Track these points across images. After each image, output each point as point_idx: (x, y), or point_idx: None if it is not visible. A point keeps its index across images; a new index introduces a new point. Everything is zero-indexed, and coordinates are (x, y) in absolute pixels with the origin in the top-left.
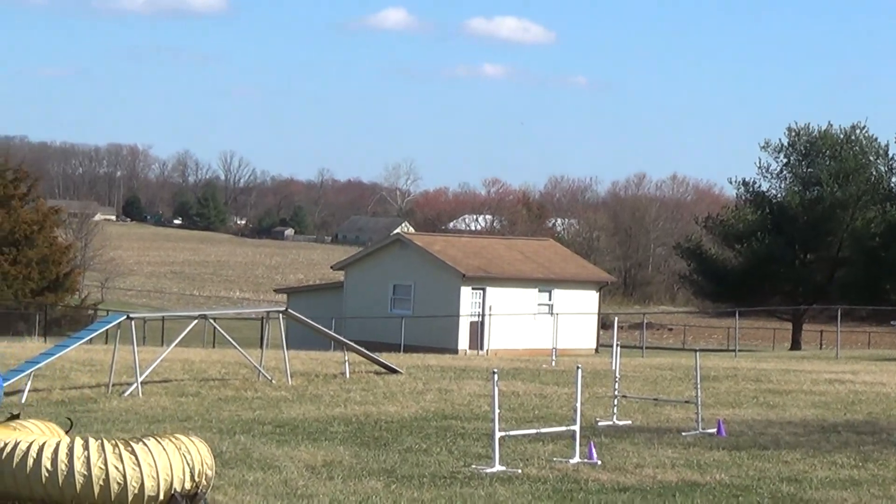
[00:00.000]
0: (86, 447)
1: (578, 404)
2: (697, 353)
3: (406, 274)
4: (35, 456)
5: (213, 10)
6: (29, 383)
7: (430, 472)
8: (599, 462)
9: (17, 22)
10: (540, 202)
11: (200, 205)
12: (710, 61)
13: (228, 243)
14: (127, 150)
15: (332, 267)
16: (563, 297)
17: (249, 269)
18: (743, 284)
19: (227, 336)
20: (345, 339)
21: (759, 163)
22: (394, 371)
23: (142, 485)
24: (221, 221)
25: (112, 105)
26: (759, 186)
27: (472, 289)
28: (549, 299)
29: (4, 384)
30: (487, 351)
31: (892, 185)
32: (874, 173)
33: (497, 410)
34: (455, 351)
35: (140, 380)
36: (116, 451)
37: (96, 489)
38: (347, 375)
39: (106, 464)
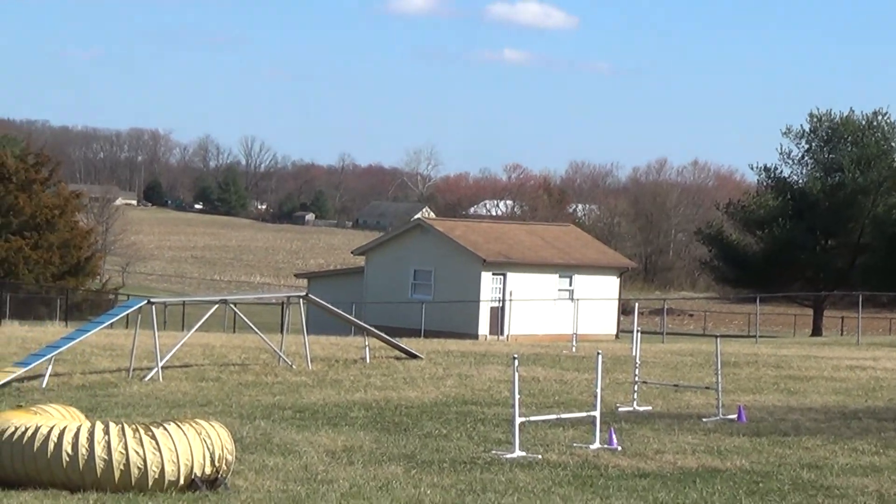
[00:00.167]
0: (106, 432)
1: (599, 390)
2: (718, 339)
3: (426, 259)
4: (56, 440)
5: None
6: (50, 368)
7: (450, 457)
8: (619, 448)
9: (39, 5)
10: (561, 188)
11: (221, 189)
12: (731, 47)
13: (249, 228)
14: (148, 134)
15: (352, 252)
16: (584, 283)
17: (270, 253)
18: (764, 270)
19: (248, 321)
20: (365, 324)
21: (781, 149)
22: (414, 356)
23: (162, 469)
24: (242, 206)
25: (134, 89)
26: (781, 172)
27: (493, 274)
28: (570, 285)
29: (25, 369)
30: (508, 336)
31: None
32: None
33: (517, 396)
34: (475, 336)
35: (160, 364)
36: (137, 435)
37: (117, 474)
38: (367, 360)
39: (126, 448)
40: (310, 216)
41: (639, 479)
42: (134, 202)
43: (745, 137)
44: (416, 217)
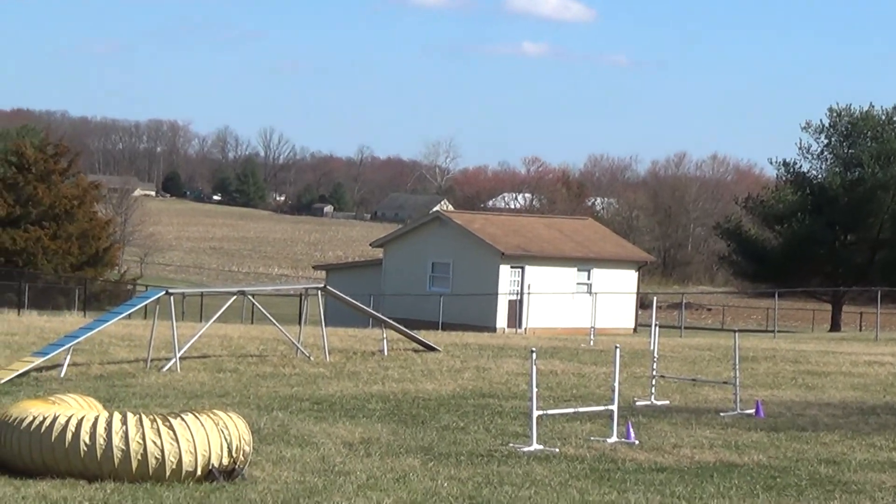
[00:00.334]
0: (124, 422)
1: (616, 384)
2: (736, 334)
3: (445, 252)
4: (74, 430)
5: None
6: (68, 357)
7: (467, 450)
8: (637, 442)
9: None
10: (580, 181)
11: (240, 181)
12: (751, 40)
13: (268, 220)
14: (167, 125)
15: (371, 244)
16: (602, 277)
17: (288, 245)
18: (782, 265)
19: (266, 312)
20: (383, 317)
21: (800, 143)
22: (432, 349)
23: (179, 460)
24: (261, 198)
25: (153, 80)
26: (800, 167)
27: (511, 267)
28: (588, 278)
29: (43, 358)
30: (526, 329)
31: None
32: None
33: (535, 389)
34: (493, 329)
35: (178, 355)
36: (154, 426)
37: (134, 464)
38: (385, 353)
39: (144, 439)
40: (328, 208)
41: (656, 474)
42: (152, 193)
43: (764, 132)
44: (434, 209)
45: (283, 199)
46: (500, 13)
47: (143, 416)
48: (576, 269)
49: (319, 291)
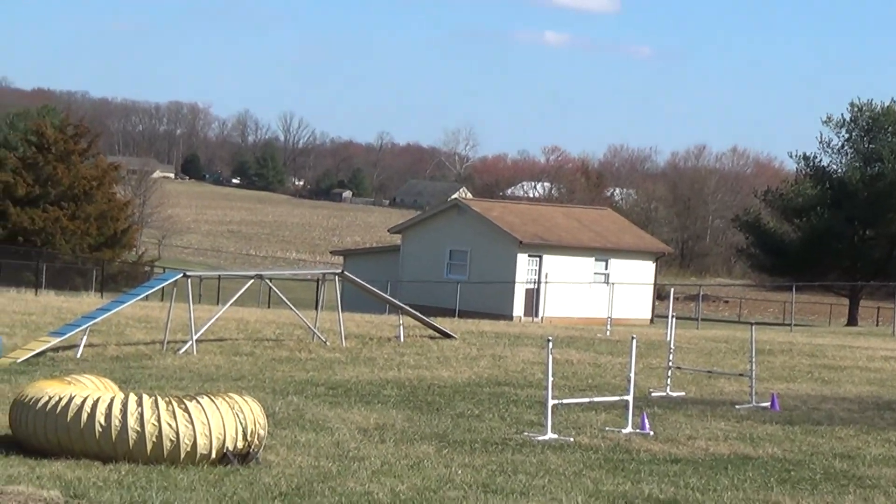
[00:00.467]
0: (139, 404)
1: (632, 374)
2: (753, 327)
3: (463, 239)
4: (89, 411)
5: None
6: (85, 338)
7: (481, 437)
8: (652, 433)
9: None
10: (599, 171)
11: (259, 165)
12: (772, 33)
13: (286, 204)
14: (187, 108)
15: (389, 230)
16: (620, 267)
17: (306, 230)
18: (800, 259)
19: (283, 296)
20: (400, 303)
21: (821, 137)
22: (448, 336)
23: (194, 443)
24: (279, 182)
25: (174, 63)
26: (820, 161)
27: (529, 256)
28: (606, 268)
29: (60, 339)
30: (542, 318)
31: None
32: None
33: (550, 378)
34: (510, 317)
35: (195, 338)
36: (170, 408)
37: (149, 446)
38: (402, 339)
39: (159, 421)
40: (347, 193)
41: (670, 465)
42: (171, 175)
43: (784, 125)
44: (453, 197)
45: (301, 183)
46: (522, 2)
47: (159, 398)
48: (593, 258)
49: (336, 276)
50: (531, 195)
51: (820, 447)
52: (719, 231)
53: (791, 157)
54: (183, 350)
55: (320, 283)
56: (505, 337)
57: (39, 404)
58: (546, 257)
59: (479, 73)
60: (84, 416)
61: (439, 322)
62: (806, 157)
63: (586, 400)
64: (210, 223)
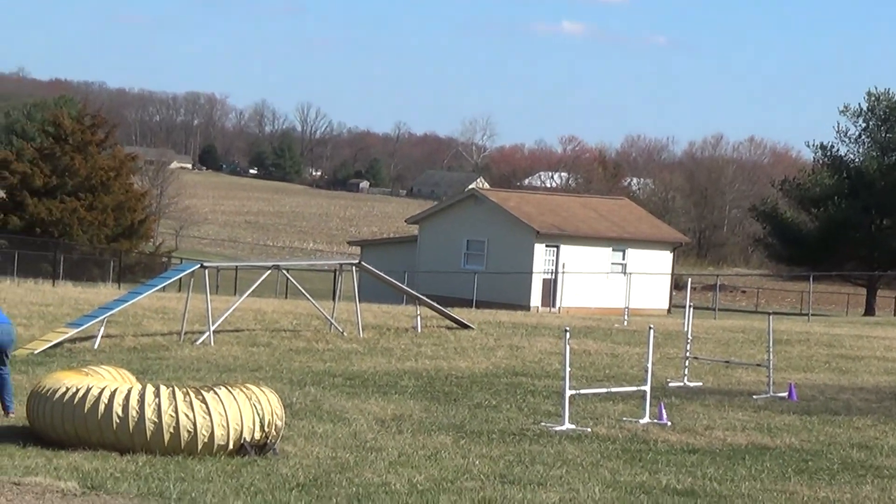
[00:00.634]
0: (157, 394)
1: (650, 364)
2: (770, 317)
3: (480, 229)
4: (106, 402)
5: None
6: (102, 329)
7: (499, 428)
8: (669, 423)
9: None
10: (616, 161)
11: (276, 155)
12: (790, 23)
13: (303, 194)
14: (204, 98)
15: (406, 220)
16: (637, 257)
17: (324, 220)
18: (818, 249)
19: (300, 287)
20: (417, 293)
21: (838, 127)
22: (465, 326)
23: (212, 433)
24: (297, 172)
25: (191, 53)
26: (837, 151)
27: (546, 246)
28: (623, 258)
29: (77, 330)
30: (560, 308)
31: None
32: None
33: (568, 368)
34: (527, 308)
35: (212, 328)
36: (187, 399)
37: (166, 436)
38: (419, 329)
39: (176, 411)
40: (364, 184)
41: (688, 455)
42: (189, 166)
43: (802, 115)
44: (470, 187)
45: (319, 173)
46: None
47: (176, 389)
48: (611, 248)
49: (354, 267)
50: (548, 185)
51: (837, 437)
52: (736, 221)
53: (808, 146)
54: (200, 341)
55: (338, 273)
56: (522, 327)
57: (57, 395)
58: (563, 247)
59: (497, 64)
60: (101, 407)
61: (457, 312)
62: (823, 147)
63: (604, 390)
64: (227, 214)
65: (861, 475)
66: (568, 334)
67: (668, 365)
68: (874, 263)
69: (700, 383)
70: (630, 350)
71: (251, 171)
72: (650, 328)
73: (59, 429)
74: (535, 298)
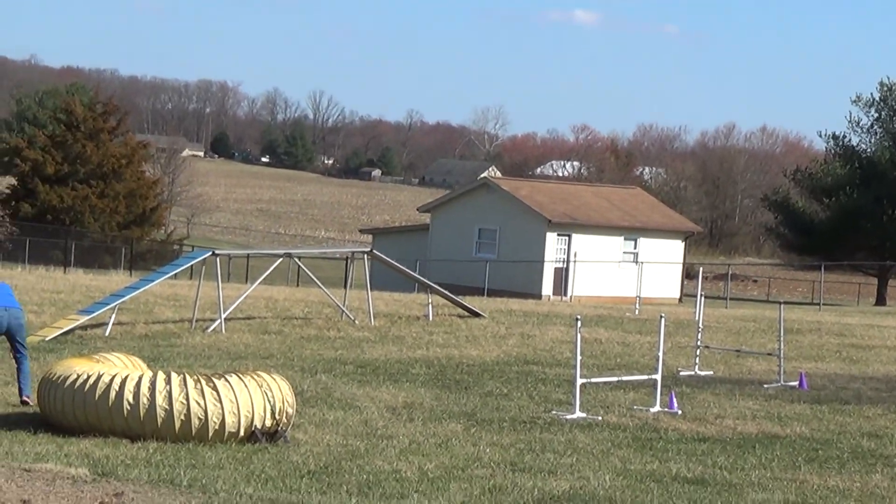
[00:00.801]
0: (168, 382)
1: (661, 353)
2: (781, 306)
3: (492, 218)
4: (117, 389)
5: None
6: (113, 316)
7: (510, 416)
8: (680, 412)
9: None
10: (628, 150)
11: (288, 143)
12: (802, 12)
13: (315, 182)
14: (217, 86)
15: (418, 209)
16: (649, 246)
17: (335, 208)
18: (829, 238)
19: (312, 275)
20: (429, 282)
21: (850, 117)
22: (477, 315)
23: (223, 421)
24: (309, 160)
25: (203, 41)
26: (849, 140)
27: (558, 235)
28: (635, 247)
29: (89, 317)
30: (571, 297)
31: None
32: None
33: (579, 357)
34: (539, 296)
35: (224, 316)
36: (198, 386)
37: (177, 424)
38: (430, 318)
39: (187, 399)
40: (376, 172)
41: (698, 444)
42: (201, 154)
43: (814, 105)
44: (482, 176)
45: (331, 162)
46: None
47: (187, 377)
48: (622, 237)
49: (365, 255)
50: (560, 174)
51: (848, 426)
52: (748, 210)
53: (820, 136)
54: (211, 328)
55: (349, 261)
56: (534, 316)
57: (68, 382)
58: (575, 236)
59: (509, 52)
60: (112, 394)
61: (468, 301)
62: (835, 137)
63: (615, 379)
64: (239, 202)
65: (871, 464)
66: (579, 323)
67: (678, 354)
68: (885, 253)
69: (711, 372)
70: (641, 339)
71: (263, 159)
72: (661, 317)
73: (69, 415)
74: (547, 287)
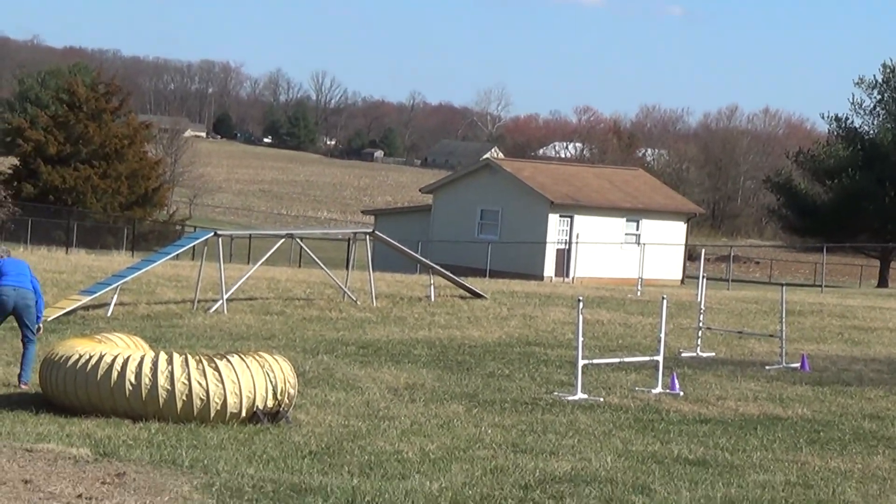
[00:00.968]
0: (170, 362)
1: (662, 335)
2: (783, 288)
3: (494, 199)
4: (119, 369)
5: None
6: (115, 297)
7: (511, 397)
8: (681, 393)
9: None
10: (631, 131)
11: (291, 124)
12: None
13: (317, 163)
14: (219, 67)
15: (420, 190)
16: (651, 228)
17: (338, 189)
18: (831, 220)
19: (314, 256)
20: (431, 263)
21: (853, 98)
22: (479, 296)
23: (224, 401)
24: (311, 141)
25: (206, 21)
26: (852, 122)
27: (560, 216)
28: (637, 229)
29: (91, 297)
30: (573, 279)
31: None
32: None
33: (581, 338)
34: (541, 277)
35: (226, 297)
36: (200, 367)
37: (179, 404)
38: (432, 299)
39: (189, 379)
40: (378, 153)
41: (700, 425)
42: (203, 134)
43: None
44: (484, 157)
45: (333, 143)
46: None
47: (189, 357)
48: (625, 219)
49: (367, 236)
50: (563, 155)
51: (849, 408)
52: (750, 192)
53: (823, 118)
54: (213, 309)
55: (351, 242)
56: (535, 297)
57: (70, 362)
58: (577, 217)
59: (512, 33)
60: (114, 374)
61: (470, 282)
62: (838, 119)
63: (616, 360)
64: (241, 182)
65: (873, 445)
66: (581, 304)
67: (680, 335)
68: (888, 235)
69: (713, 354)
70: (643, 320)
71: (265, 139)
72: (663, 298)
73: (71, 396)
74: (549, 268)
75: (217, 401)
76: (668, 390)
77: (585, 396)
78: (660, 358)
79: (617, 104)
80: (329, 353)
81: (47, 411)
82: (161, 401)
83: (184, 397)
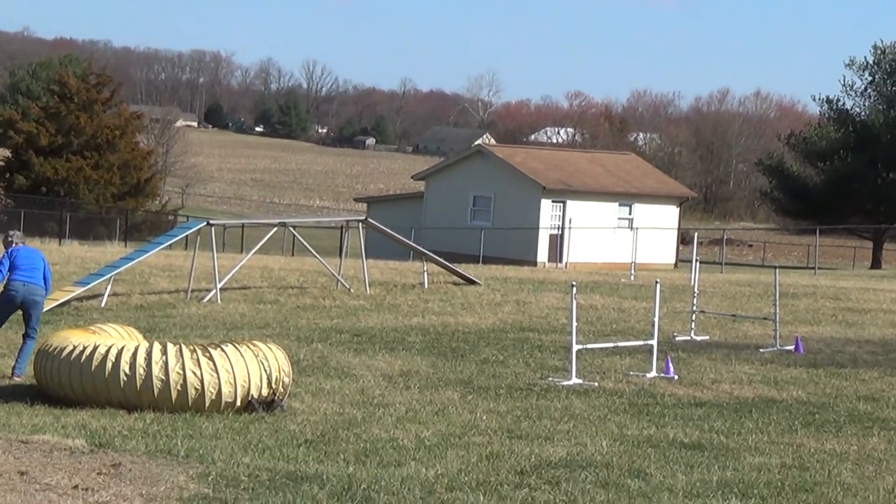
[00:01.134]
0: (164, 352)
1: (656, 319)
2: (777, 270)
3: (486, 185)
4: (114, 360)
5: None
6: (109, 287)
7: (506, 383)
8: (676, 377)
9: None
10: (622, 116)
11: (282, 113)
12: None
13: (309, 152)
14: (210, 56)
15: (412, 177)
16: (644, 212)
17: (330, 177)
18: (824, 202)
19: (307, 244)
20: (424, 250)
21: (844, 80)
22: (472, 282)
23: (219, 390)
24: (303, 130)
25: (196, 11)
26: (843, 104)
27: (553, 201)
28: (630, 213)
29: (84, 288)
30: (566, 264)
31: None
32: None
33: (575, 323)
34: (534, 263)
35: (219, 286)
36: (194, 356)
37: (174, 394)
38: (426, 286)
39: (184, 369)
40: (370, 140)
41: (695, 408)
42: (194, 124)
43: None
44: (476, 143)
45: (325, 131)
46: None
47: (183, 347)
48: (617, 203)
49: (360, 224)
50: (554, 141)
51: (844, 390)
52: (743, 175)
53: (814, 100)
54: (207, 298)
55: (344, 230)
56: (529, 283)
57: (64, 354)
58: (570, 203)
59: (503, 19)
60: (109, 365)
61: (463, 268)
62: (829, 101)
63: (610, 345)
64: (233, 171)
65: (868, 427)
66: (574, 289)
67: (674, 319)
68: (880, 217)
69: (707, 337)
70: (637, 304)
71: (257, 128)
72: (657, 282)
73: (66, 387)
74: (542, 254)
75: (212, 390)
76: (662, 374)
77: (580, 381)
78: (654, 342)
79: (608, 89)
80: (323, 341)
81: (42, 403)
82: (156, 391)
83: (178, 387)
